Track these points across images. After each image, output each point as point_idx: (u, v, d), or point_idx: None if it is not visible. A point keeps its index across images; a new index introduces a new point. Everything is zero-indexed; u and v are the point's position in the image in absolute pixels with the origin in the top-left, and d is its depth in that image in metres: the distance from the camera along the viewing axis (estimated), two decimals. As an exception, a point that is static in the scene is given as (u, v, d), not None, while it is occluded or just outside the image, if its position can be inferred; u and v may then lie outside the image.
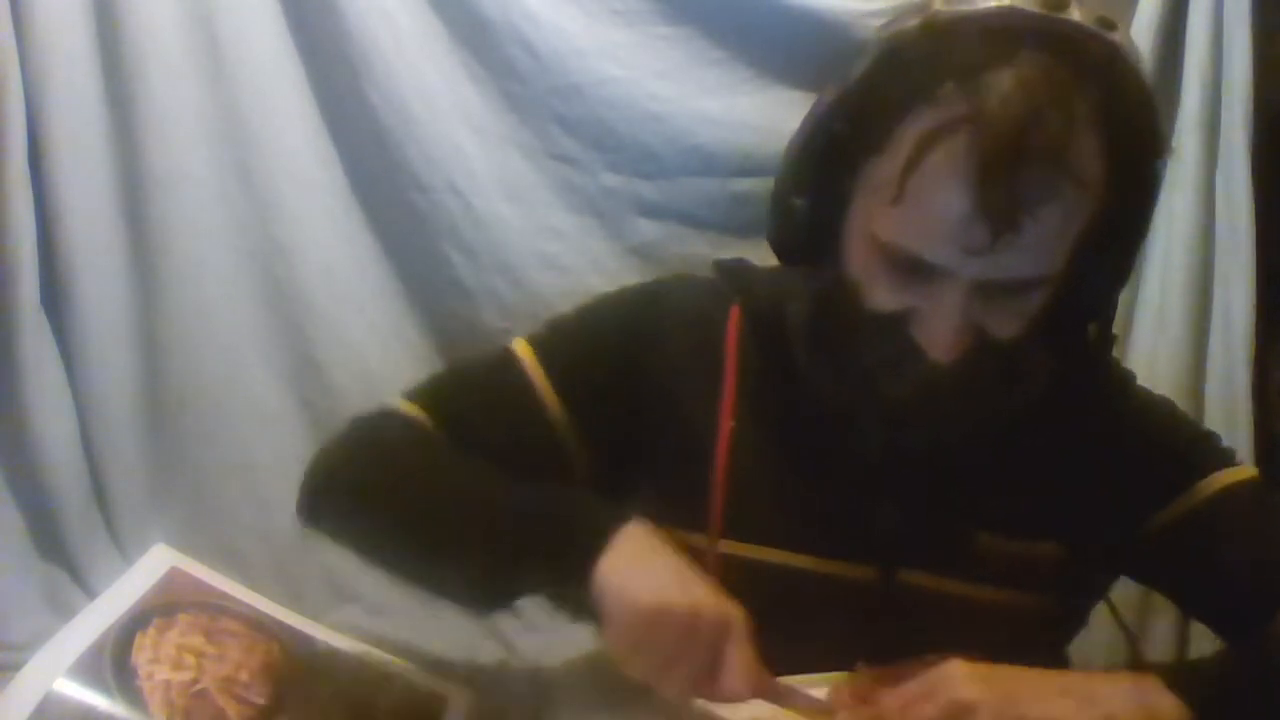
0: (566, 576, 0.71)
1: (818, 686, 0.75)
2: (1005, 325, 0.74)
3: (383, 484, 0.82)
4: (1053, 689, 0.68)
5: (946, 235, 0.69)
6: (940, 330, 0.72)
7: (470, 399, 0.88)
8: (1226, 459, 0.85)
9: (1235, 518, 0.82)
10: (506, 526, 0.75)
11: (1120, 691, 0.69)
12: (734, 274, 0.89)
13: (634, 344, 0.86)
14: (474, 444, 0.82)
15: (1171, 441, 0.87)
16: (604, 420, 0.85)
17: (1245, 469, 0.85)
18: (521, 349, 0.87)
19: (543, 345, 0.87)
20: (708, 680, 0.68)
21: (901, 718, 0.67)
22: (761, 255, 0.92)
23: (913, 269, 0.72)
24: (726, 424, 0.84)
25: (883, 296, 0.74)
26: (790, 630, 0.76)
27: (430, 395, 0.88)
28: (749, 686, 0.69)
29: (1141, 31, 1.27)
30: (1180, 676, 0.69)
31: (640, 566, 0.69)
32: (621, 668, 0.69)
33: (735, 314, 0.87)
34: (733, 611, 0.69)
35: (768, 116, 1.28)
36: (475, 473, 0.80)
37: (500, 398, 0.86)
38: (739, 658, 0.68)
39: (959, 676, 0.67)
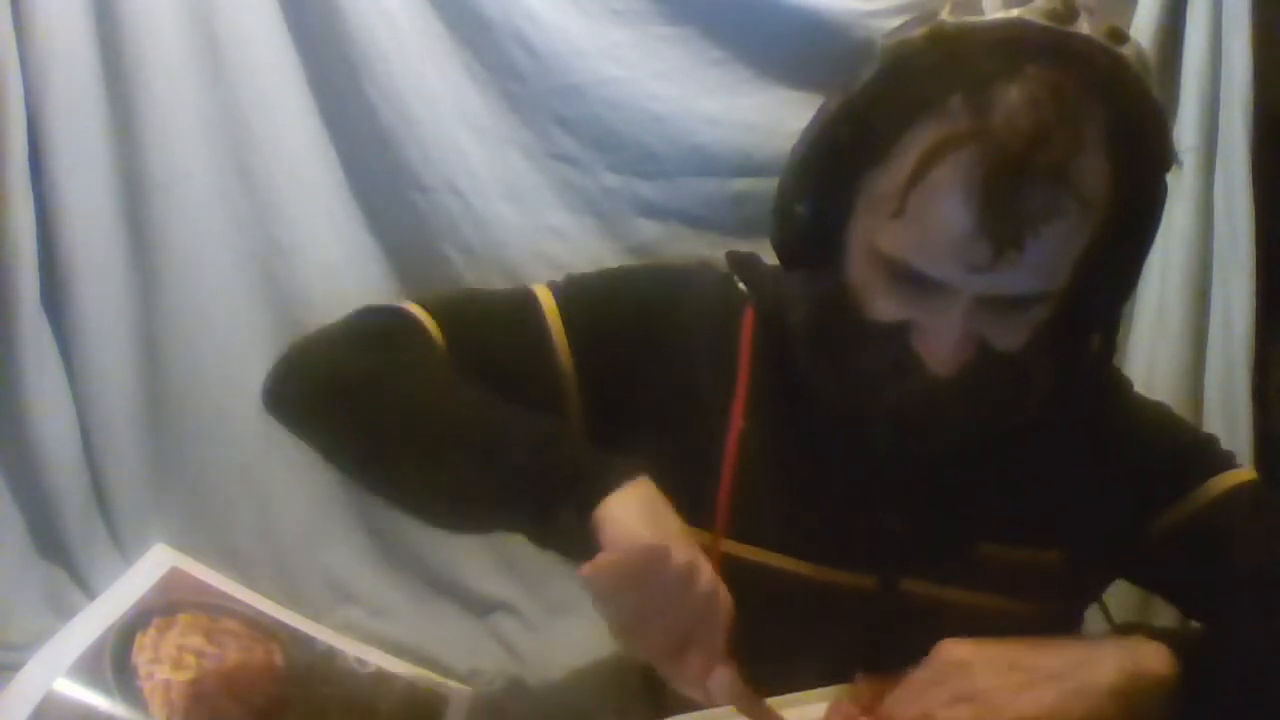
0: (563, 502, 0.68)
1: (818, 702, 0.75)
2: (1007, 338, 0.73)
3: (375, 370, 0.78)
4: (1039, 640, 0.70)
5: (949, 251, 0.69)
6: (940, 344, 0.72)
7: (482, 325, 0.85)
8: (1228, 462, 0.85)
9: (1238, 520, 0.82)
10: (511, 439, 0.71)
11: (1105, 639, 0.71)
12: (748, 271, 0.88)
13: (653, 321, 0.86)
14: (473, 371, 0.80)
15: (1173, 445, 0.87)
16: (609, 383, 0.84)
17: (1247, 472, 0.85)
18: (543, 296, 0.86)
19: (564, 295, 0.86)
20: (678, 652, 0.66)
21: (914, 698, 0.68)
22: (762, 256, 0.91)
23: (914, 282, 0.71)
24: (737, 424, 0.83)
25: (883, 307, 0.74)
26: (789, 636, 0.76)
27: (442, 308, 0.85)
28: (713, 673, 0.67)
29: (1141, 32, 1.27)
30: (1166, 632, 0.70)
31: (649, 511, 0.67)
32: (600, 608, 0.66)
33: (750, 312, 0.86)
34: (727, 593, 0.67)
35: (768, 116, 1.28)
36: (474, 390, 0.77)
37: (512, 332, 0.84)
38: (716, 641, 0.67)
39: (949, 646, 0.69)
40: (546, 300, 0.85)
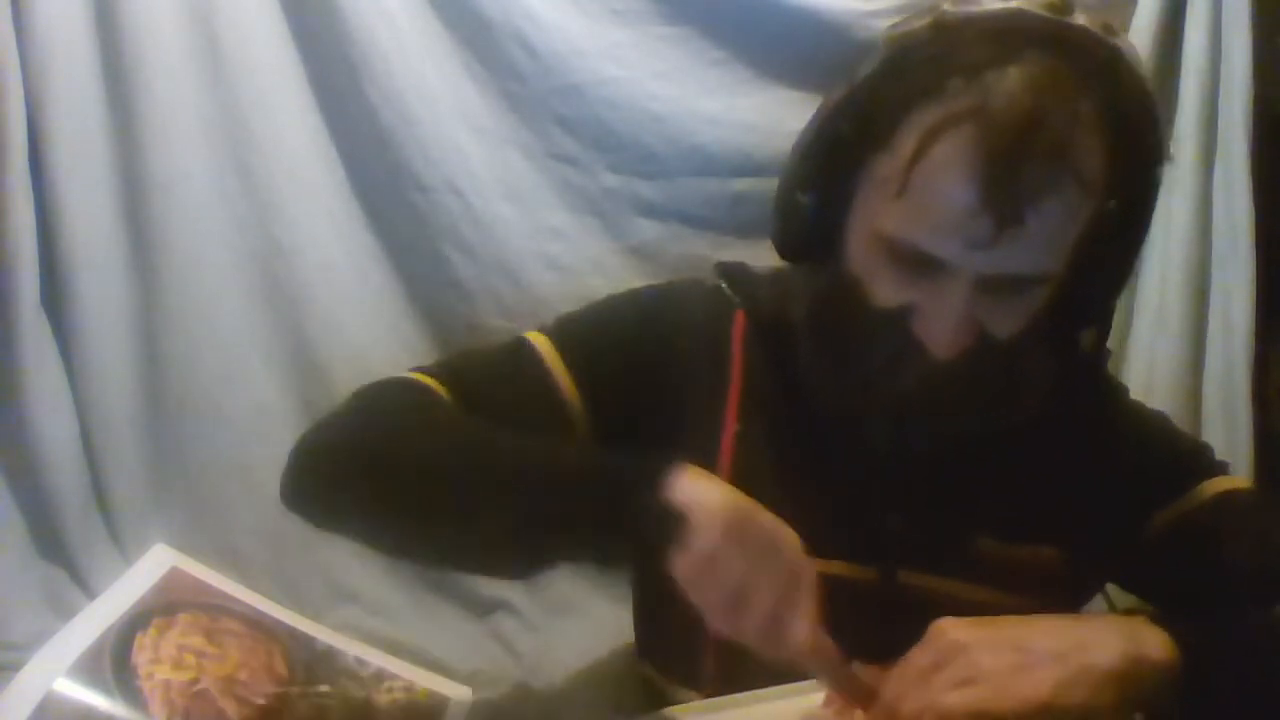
0: (637, 497, 0.67)
1: (816, 690, 0.75)
2: (1005, 324, 0.74)
3: (399, 436, 0.77)
4: (1039, 620, 0.69)
5: (950, 228, 0.70)
6: (942, 326, 0.73)
7: (485, 382, 0.85)
8: (1222, 469, 0.86)
9: (1232, 523, 0.82)
10: (555, 474, 0.71)
11: (1107, 621, 0.70)
12: (736, 278, 0.89)
13: (649, 343, 0.87)
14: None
15: (1169, 449, 0.87)
16: (618, 416, 0.85)
17: (1240, 479, 0.86)
18: (537, 340, 0.87)
19: (560, 337, 0.87)
20: (773, 625, 0.66)
21: (917, 685, 0.67)
22: (761, 256, 0.92)
23: (916, 263, 0.72)
24: (731, 426, 0.84)
25: (885, 292, 0.75)
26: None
27: (441, 370, 0.86)
28: (815, 638, 0.67)
29: (1141, 32, 1.27)
30: (1169, 617, 0.70)
31: (720, 487, 0.67)
32: (692, 593, 0.66)
33: (740, 317, 0.87)
34: (808, 555, 0.67)
35: (768, 116, 1.28)
36: (497, 429, 0.76)
37: (517, 384, 0.85)
38: (810, 603, 0.67)
39: (947, 626, 0.68)
40: (541, 342, 0.86)
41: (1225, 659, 0.69)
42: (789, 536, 0.67)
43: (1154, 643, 0.67)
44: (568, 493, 0.70)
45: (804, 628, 0.67)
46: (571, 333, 0.88)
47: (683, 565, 0.65)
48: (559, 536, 0.71)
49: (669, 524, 0.65)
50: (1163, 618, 0.69)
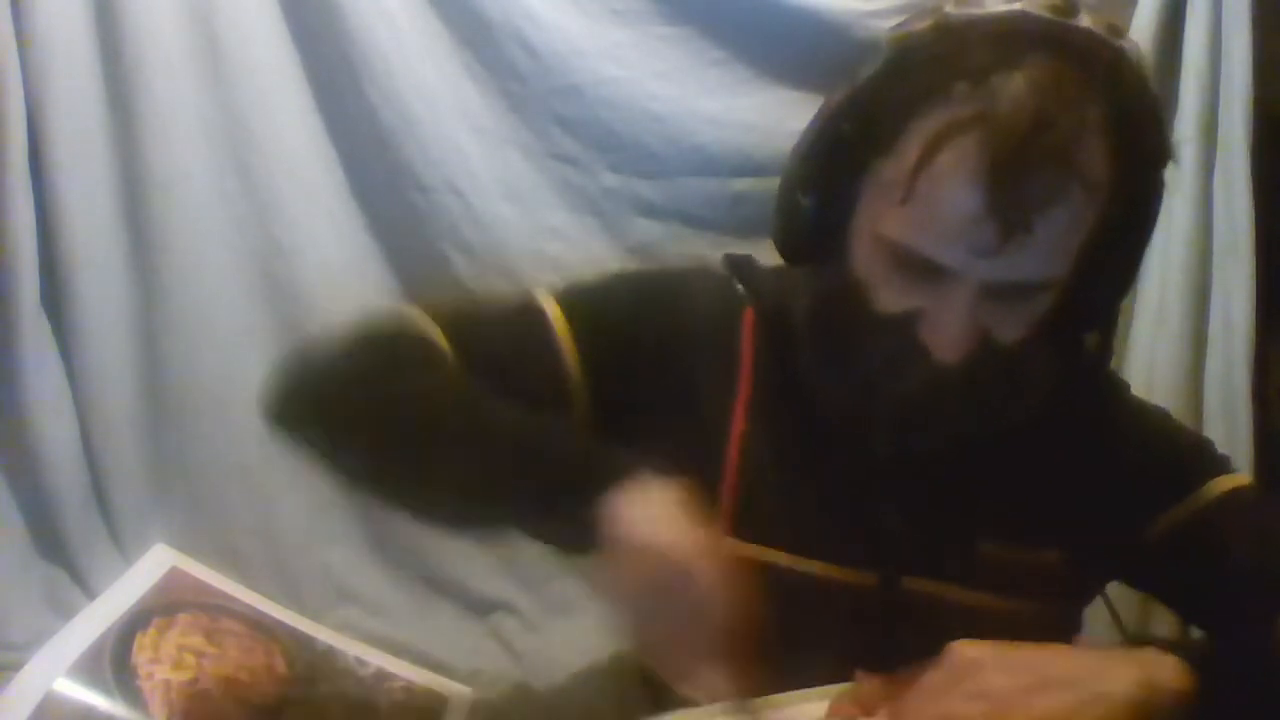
0: (570, 490, 0.67)
1: (818, 700, 0.75)
2: (1010, 329, 0.74)
3: (382, 372, 0.78)
4: (1055, 647, 0.68)
5: (956, 235, 0.69)
6: (946, 332, 0.72)
7: (488, 330, 0.85)
8: (1225, 465, 0.86)
9: (1237, 521, 0.82)
10: (519, 431, 0.73)
11: (1119, 651, 0.69)
12: (743, 271, 0.89)
13: (656, 324, 0.85)
14: (480, 375, 0.80)
15: (1172, 448, 0.87)
16: (615, 386, 0.84)
17: (1243, 476, 0.85)
18: (547, 304, 0.85)
19: (567, 299, 0.85)
20: (696, 664, 0.66)
21: (927, 700, 0.66)
22: (762, 256, 0.91)
23: (921, 270, 0.72)
24: (739, 425, 0.83)
25: (889, 297, 0.74)
26: (791, 635, 0.76)
27: (445, 314, 0.85)
28: (726, 691, 0.67)
29: (1141, 32, 1.27)
30: (1181, 645, 0.70)
31: (666, 507, 0.66)
32: (616, 613, 0.66)
33: (750, 313, 0.86)
34: (744, 593, 0.66)
35: (768, 116, 1.28)
36: (484, 389, 0.77)
37: (520, 337, 0.83)
38: (738, 666, 0.66)
39: (961, 646, 0.67)
40: (550, 305, 0.85)
41: (1240, 685, 0.68)
42: (727, 602, 0.65)
43: (1168, 671, 0.66)
44: (520, 465, 0.71)
45: (718, 683, 0.66)
46: (583, 300, 0.86)
47: (602, 576, 0.65)
48: (502, 502, 0.72)
49: (596, 538, 0.65)
50: (1174, 645, 0.69)
